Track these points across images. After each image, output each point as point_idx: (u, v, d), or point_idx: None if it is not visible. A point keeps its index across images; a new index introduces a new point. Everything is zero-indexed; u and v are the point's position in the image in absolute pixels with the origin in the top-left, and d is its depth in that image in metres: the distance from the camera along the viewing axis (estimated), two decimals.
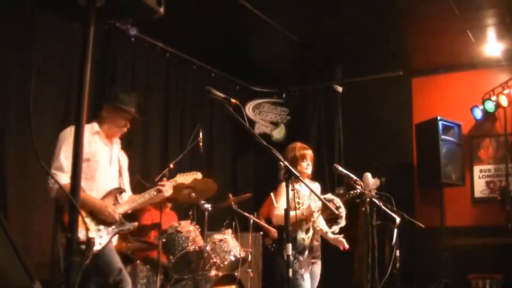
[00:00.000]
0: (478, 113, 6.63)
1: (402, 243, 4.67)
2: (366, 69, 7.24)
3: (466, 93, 6.85)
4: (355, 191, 4.41)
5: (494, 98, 6.45)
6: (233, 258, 4.70)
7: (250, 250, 5.20)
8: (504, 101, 6.37)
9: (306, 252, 4.11)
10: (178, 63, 6.51)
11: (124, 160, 3.88)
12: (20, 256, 1.89)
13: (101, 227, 3.41)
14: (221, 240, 4.77)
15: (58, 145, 3.46)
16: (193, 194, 4.62)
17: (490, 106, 6.47)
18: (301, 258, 4.06)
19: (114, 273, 3.26)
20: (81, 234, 2.99)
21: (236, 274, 4.84)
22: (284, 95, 7.86)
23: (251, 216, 5.37)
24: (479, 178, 6.72)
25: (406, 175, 6.93)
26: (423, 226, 4.92)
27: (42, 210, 4.64)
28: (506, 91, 6.41)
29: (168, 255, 4.50)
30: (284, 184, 2.99)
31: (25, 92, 4.45)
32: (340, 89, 7.46)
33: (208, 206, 4.67)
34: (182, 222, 4.67)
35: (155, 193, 3.72)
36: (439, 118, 6.37)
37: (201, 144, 4.80)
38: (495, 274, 5.99)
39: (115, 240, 3.70)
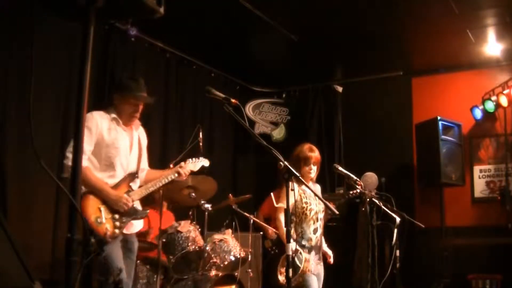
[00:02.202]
0: (478, 113, 6.62)
1: (402, 243, 4.67)
2: (366, 69, 7.24)
3: (466, 93, 6.84)
4: (355, 191, 4.41)
5: (494, 98, 6.45)
6: (233, 258, 4.70)
7: (250, 250, 5.19)
8: (504, 101, 6.37)
9: (313, 252, 4.11)
10: (178, 63, 6.51)
11: (144, 139, 3.90)
12: (20, 256, 1.89)
13: (116, 215, 3.48)
14: (221, 240, 4.76)
15: None
16: (193, 194, 4.62)
17: (490, 106, 6.47)
18: (308, 257, 4.05)
19: (114, 273, 3.25)
20: (100, 223, 3.30)
21: (236, 274, 4.84)
22: (284, 95, 7.86)
23: (251, 216, 5.36)
24: (479, 178, 6.72)
25: (406, 175, 6.93)
26: (423, 226, 4.91)
27: (42, 210, 4.64)
28: (506, 91, 6.40)
29: (168, 255, 4.49)
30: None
31: (25, 92, 4.45)
32: (340, 89, 7.46)
33: (208, 206, 4.66)
34: (182, 222, 4.66)
35: (173, 176, 3.78)
36: (439, 118, 6.36)
37: (201, 144, 4.79)
38: (495, 274, 5.98)
39: (137, 227, 3.78)
